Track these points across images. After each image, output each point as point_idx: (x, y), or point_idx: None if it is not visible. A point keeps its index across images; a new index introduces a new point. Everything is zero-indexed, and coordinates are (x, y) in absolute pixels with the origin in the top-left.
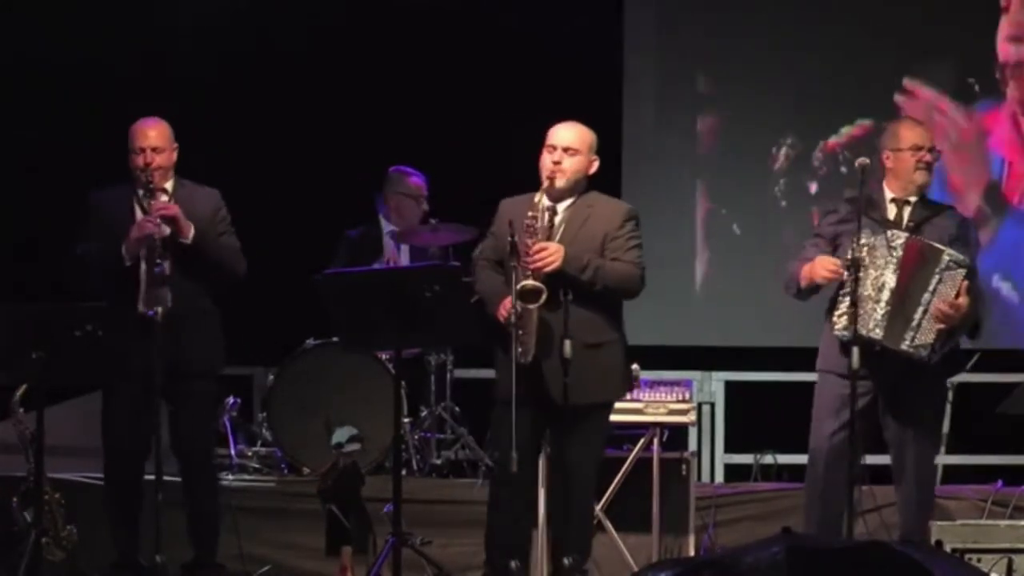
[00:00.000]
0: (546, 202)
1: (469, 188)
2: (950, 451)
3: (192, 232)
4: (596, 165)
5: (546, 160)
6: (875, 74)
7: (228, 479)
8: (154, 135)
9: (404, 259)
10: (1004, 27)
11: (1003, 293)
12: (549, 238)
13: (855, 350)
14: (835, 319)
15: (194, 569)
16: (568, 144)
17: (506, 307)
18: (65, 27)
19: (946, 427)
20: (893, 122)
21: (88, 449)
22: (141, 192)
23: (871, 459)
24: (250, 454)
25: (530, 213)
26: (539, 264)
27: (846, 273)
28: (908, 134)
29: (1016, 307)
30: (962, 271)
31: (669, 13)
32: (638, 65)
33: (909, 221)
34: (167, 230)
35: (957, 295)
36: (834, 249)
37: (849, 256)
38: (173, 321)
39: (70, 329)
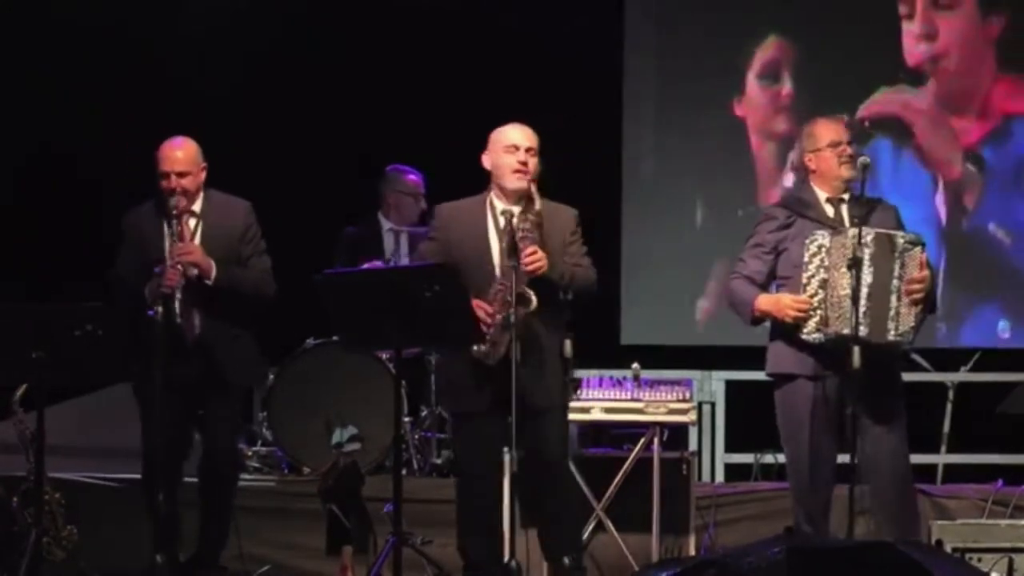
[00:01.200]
0: (500, 205)
1: (469, 188)
2: (950, 451)
3: (214, 273)
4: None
5: (510, 161)
6: (872, 73)
7: None
8: (180, 157)
9: (404, 249)
10: (911, 30)
11: (999, 237)
12: (514, 242)
13: (856, 349)
14: (803, 322)
15: (195, 568)
16: (531, 144)
17: (486, 309)
18: (65, 28)
19: (946, 427)
20: (807, 123)
21: (88, 449)
22: (172, 217)
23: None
24: (250, 454)
25: (530, 216)
26: (532, 267)
27: (821, 293)
28: (824, 132)
29: (1009, 251)
30: (919, 248)
31: (669, 13)
32: (638, 65)
33: (852, 218)
34: (193, 272)
35: (920, 270)
36: (777, 256)
37: (806, 257)
38: (200, 343)
39: (70, 329)
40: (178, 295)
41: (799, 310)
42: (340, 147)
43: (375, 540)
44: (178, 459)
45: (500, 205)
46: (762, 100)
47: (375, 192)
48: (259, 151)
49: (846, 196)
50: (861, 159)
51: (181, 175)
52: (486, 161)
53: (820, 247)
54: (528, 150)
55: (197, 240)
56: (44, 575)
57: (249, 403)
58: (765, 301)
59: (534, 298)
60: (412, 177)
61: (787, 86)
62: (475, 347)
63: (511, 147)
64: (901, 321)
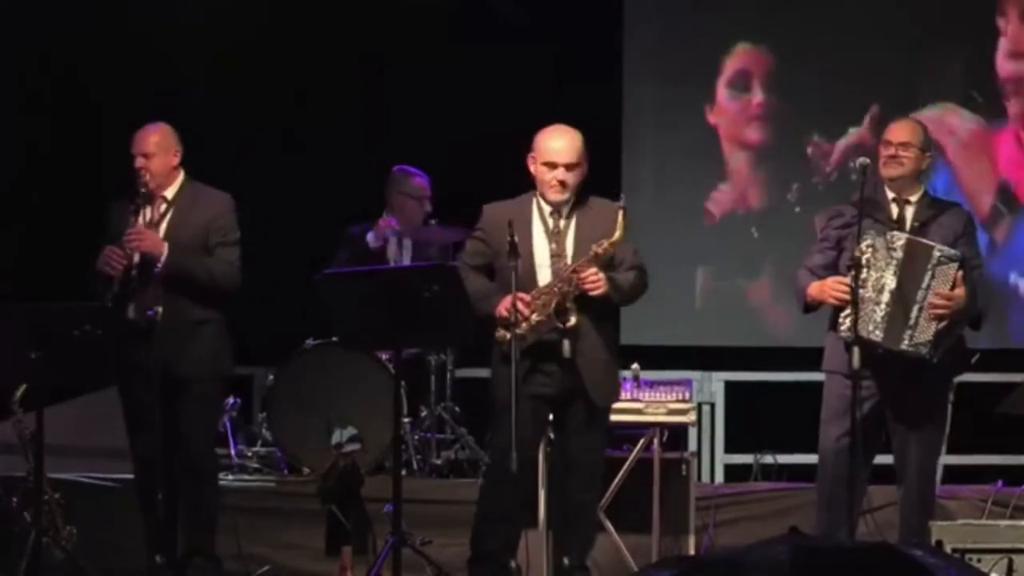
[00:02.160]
0: (548, 206)
1: (469, 188)
2: (950, 451)
3: (164, 257)
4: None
5: (547, 176)
6: (884, 80)
7: (228, 479)
8: (151, 140)
9: (406, 258)
10: (1004, 45)
11: (1021, 291)
12: (560, 243)
13: (855, 350)
14: (841, 319)
15: (188, 559)
16: (570, 160)
17: (524, 300)
18: (63, 25)
19: (947, 427)
20: None
21: (88, 449)
22: (139, 200)
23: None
24: (250, 454)
25: (605, 242)
26: (589, 287)
27: (848, 278)
28: (885, 131)
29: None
30: (954, 264)
31: (670, 13)
32: (638, 65)
33: (914, 221)
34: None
35: (952, 288)
36: (838, 253)
37: (857, 254)
38: (163, 331)
39: (69, 329)
40: (133, 276)
41: (840, 290)
42: (341, 146)
43: (374, 540)
44: (169, 457)
45: (548, 206)
46: (732, 109)
47: (380, 192)
48: (259, 150)
49: (913, 198)
50: (860, 160)
51: (147, 156)
52: (531, 165)
53: (869, 247)
54: (568, 166)
55: (164, 226)
56: (44, 575)
57: (249, 403)
58: (813, 287)
59: (574, 317)
60: (419, 180)
61: (758, 96)
62: (500, 332)
63: (549, 163)
64: (918, 333)
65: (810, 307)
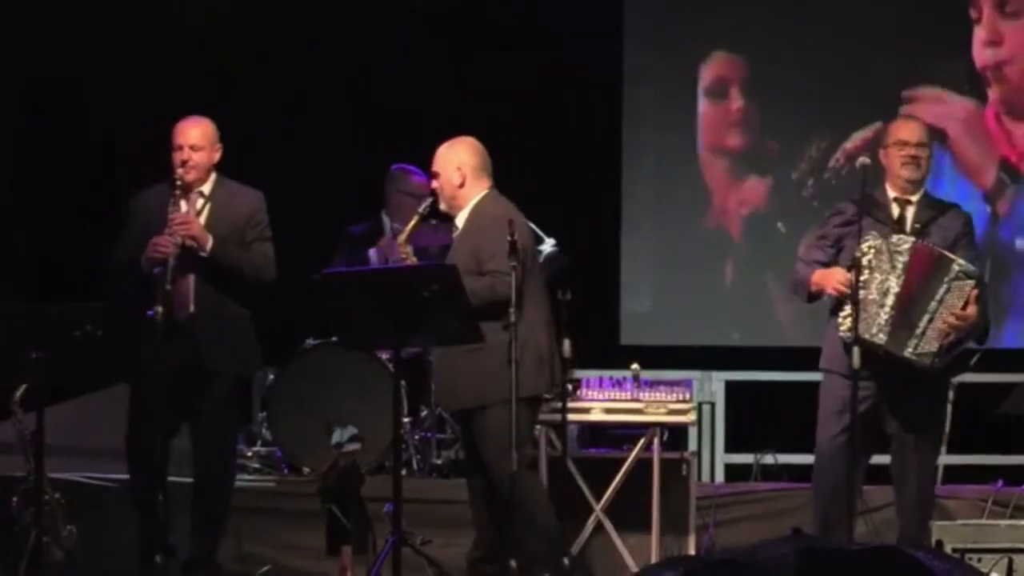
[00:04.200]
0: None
1: None
2: (950, 451)
3: (210, 244)
4: (461, 175)
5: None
6: (880, 77)
7: None
8: (195, 133)
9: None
10: (979, 34)
11: None
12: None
13: (855, 350)
14: (840, 320)
15: (193, 567)
16: (433, 167)
17: None
18: (63, 25)
19: (946, 427)
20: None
21: (88, 449)
22: (177, 192)
23: (874, 459)
24: (250, 454)
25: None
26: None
27: (861, 293)
28: (894, 130)
29: None
30: (971, 281)
31: (669, 12)
32: (638, 65)
33: (915, 222)
34: (191, 243)
35: (965, 305)
36: (838, 251)
37: (857, 254)
38: (194, 324)
39: (69, 329)
40: (171, 266)
41: (842, 284)
42: (342, 145)
43: (375, 540)
44: (165, 454)
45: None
46: (712, 116)
47: (379, 190)
48: (259, 150)
49: (914, 198)
50: (861, 160)
51: (194, 148)
52: None
53: (871, 247)
54: (434, 174)
55: (201, 220)
56: (44, 575)
57: (249, 403)
58: (818, 274)
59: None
60: (417, 178)
61: (738, 102)
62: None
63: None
64: (924, 343)
65: (813, 296)
